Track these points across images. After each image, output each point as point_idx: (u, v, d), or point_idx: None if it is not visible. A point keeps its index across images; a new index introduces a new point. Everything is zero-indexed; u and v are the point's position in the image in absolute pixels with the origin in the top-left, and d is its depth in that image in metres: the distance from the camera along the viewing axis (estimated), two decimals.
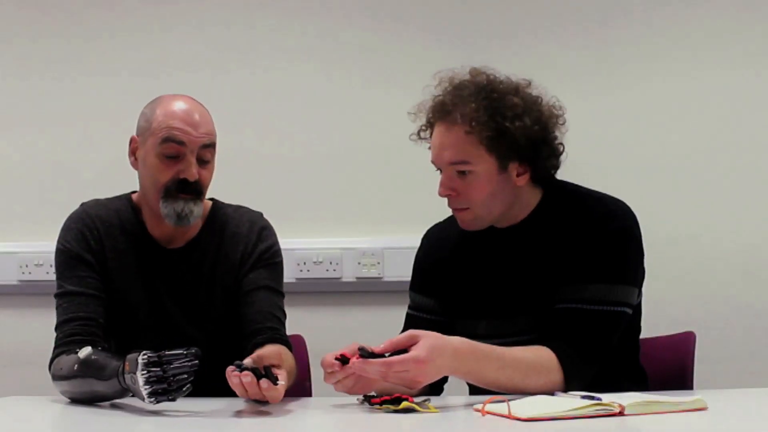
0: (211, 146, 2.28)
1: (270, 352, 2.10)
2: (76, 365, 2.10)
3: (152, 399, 1.88)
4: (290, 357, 2.26)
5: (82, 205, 2.40)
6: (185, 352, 1.88)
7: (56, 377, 2.18)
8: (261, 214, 2.44)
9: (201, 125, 2.26)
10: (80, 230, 2.33)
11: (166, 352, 1.89)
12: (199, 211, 2.28)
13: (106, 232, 2.34)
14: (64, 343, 2.23)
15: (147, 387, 1.87)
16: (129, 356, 1.95)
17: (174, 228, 2.31)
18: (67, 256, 2.32)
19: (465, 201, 2.19)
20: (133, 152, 2.33)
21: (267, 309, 2.31)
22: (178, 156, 2.24)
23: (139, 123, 2.32)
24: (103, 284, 2.31)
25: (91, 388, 2.07)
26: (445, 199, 2.23)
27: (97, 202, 2.40)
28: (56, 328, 2.28)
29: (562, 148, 2.23)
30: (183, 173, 2.24)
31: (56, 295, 2.31)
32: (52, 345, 2.27)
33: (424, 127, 2.23)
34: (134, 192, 2.42)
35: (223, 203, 2.44)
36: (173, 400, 1.89)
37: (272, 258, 2.38)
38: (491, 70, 2.21)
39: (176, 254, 2.35)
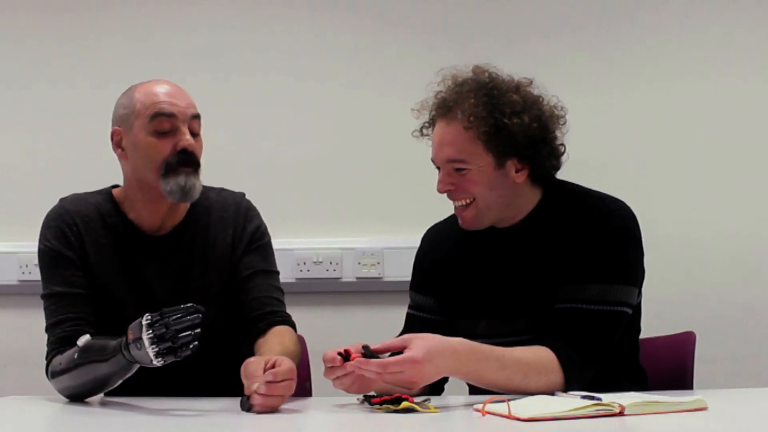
0: (198, 118, 2.29)
1: (270, 348, 2.17)
2: (76, 354, 2.10)
3: (159, 359, 1.91)
4: (292, 337, 2.29)
5: (61, 200, 2.38)
6: (185, 307, 1.92)
7: (55, 374, 2.16)
8: (243, 195, 2.45)
9: (184, 98, 2.28)
10: (59, 227, 2.31)
11: (166, 309, 1.92)
12: (200, 184, 2.28)
13: (86, 228, 2.31)
14: (57, 347, 2.22)
15: (153, 347, 1.90)
16: (131, 325, 1.97)
17: (165, 214, 2.31)
18: (49, 256, 2.30)
19: (466, 193, 2.19)
20: (117, 144, 2.30)
21: (265, 293, 2.33)
22: (171, 130, 2.24)
23: (117, 113, 2.30)
24: (88, 280, 2.29)
25: (94, 374, 2.07)
26: (446, 200, 2.24)
27: (75, 197, 2.37)
28: (47, 330, 2.26)
29: (563, 149, 2.23)
30: (180, 144, 2.23)
31: (43, 297, 2.29)
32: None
33: (427, 124, 2.24)
34: (114, 186, 2.40)
35: (204, 186, 2.39)
36: (179, 358, 1.91)
37: (261, 239, 2.39)
38: (494, 68, 2.22)
39: (164, 240, 2.33)
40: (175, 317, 1.91)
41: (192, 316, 1.91)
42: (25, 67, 3.38)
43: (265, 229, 2.42)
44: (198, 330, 1.91)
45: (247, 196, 2.46)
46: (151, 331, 1.91)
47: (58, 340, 2.22)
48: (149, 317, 1.93)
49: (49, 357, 2.22)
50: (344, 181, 3.30)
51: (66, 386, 2.15)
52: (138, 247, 2.32)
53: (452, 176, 2.19)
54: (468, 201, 2.20)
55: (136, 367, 2.02)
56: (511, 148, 2.15)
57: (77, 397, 2.15)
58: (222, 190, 2.44)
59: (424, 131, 2.25)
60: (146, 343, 1.91)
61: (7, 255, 3.30)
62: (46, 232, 2.32)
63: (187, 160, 2.24)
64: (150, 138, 2.24)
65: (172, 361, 1.92)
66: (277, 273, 2.41)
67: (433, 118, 2.21)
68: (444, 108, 2.18)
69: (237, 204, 2.41)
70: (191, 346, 1.91)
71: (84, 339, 2.12)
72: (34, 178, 3.35)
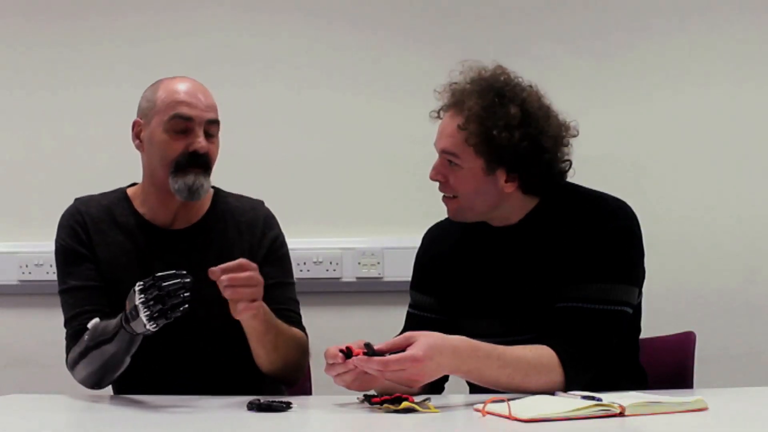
0: (216, 123, 2.32)
1: None
2: (86, 336, 2.17)
3: (152, 323, 1.97)
4: (303, 337, 2.35)
5: (75, 200, 2.42)
6: (176, 272, 1.99)
7: (74, 364, 2.23)
8: (262, 203, 2.47)
9: (205, 101, 2.30)
10: (71, 226, 2.37)
11: (158, 274, 1.99)
12: (208, 185, 2.32)
13: (95, 227, 2.35)
14: (75, 340, 2.25)
15: (146, 311, 1.96)
16: (129, 295, 2.04)
17: (178, 210, 2.33)
18: (64, 253, 2.36)
19: (451, 190, 2.21)
20: (137, 135, 2.35)
21: (283, 305, 2.34)
22: (186, 131, 2.27)
23: (141, 105, 2.35)
24: (101, 275, 2.33)
25: (103, 357, 2.13)
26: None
27: (89, 198, 2.42)
28: (65, 325, 2.31)
29: (566, 165, 2.21)
30: (192, 146, 2.27)
31: (60, 292, 2.34)
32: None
33: (444, 108, 2.24)
34: (130, 186, 2.44)
35: (224, 191, 2.46)
36: (170, 319, 1.98)
37: (280, 249, 2.42)
38: (513, 73, 2.21)
39: (179, 235, 2.35)
40: (167, 282, 1.97)
41: (183, 280, 1.98)
42: (25, 70, 3.38)
43: (284, 239, 2.44)
44: (188, 294, 1.97)
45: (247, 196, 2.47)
46: (143, 296, 1.98)
47: (76, 333, 2.26)
48: (141, 283, 2.00)
49: (68, 349, 2.28)
50: (344, 181, 3.30)
51: (83, 375, 2.21)
52: (151, 241, 2.35)
53: (445, 168, 2.20)
54: (452, 195, 2.21)
55: (139, 339, 2.08)
56: (497, 159, 2.15)
57: (96, 384, 2.21)
58: (241, 196, 2.47)
59: (441, 114, 2.25)
60: (139, 307, 1.97)
61: (7, 255, 3.30)
62: (61, 231, 2.38)
63: (197, 161, 2.28)
64: (165, 136, 2.28)
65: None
66: (294, 284, 2.43)
67: (445, 105, 2.22)
68: (453, 99, 2.19)
69: (255, 210, 2.43)
70: (181, 309, 1.97)
71: (93, 322, 2.18)
72: (34, 178, 3.35)
